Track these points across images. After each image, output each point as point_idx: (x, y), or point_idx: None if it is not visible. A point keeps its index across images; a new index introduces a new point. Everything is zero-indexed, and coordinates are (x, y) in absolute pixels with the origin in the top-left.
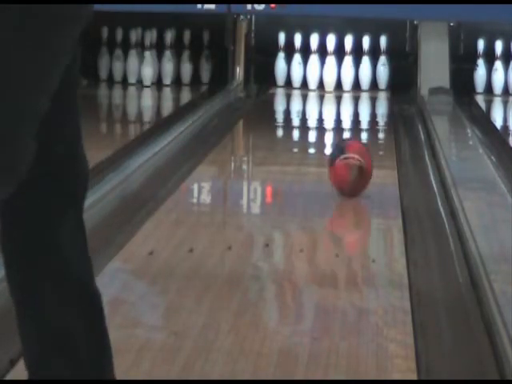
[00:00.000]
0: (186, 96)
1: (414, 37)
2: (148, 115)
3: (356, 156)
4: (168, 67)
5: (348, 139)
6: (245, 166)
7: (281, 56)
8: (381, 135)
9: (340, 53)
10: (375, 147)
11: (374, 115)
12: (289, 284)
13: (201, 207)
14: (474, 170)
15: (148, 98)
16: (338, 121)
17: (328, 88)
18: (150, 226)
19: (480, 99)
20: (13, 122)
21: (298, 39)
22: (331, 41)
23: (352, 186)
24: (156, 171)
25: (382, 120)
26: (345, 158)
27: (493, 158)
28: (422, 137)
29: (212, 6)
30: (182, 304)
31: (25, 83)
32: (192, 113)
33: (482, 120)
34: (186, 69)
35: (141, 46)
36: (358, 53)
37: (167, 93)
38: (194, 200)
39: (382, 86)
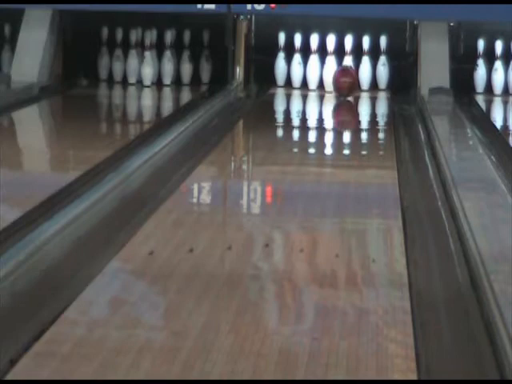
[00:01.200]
0: (185, 96)
1: (414, 37)
2: (148, 115)
3: (350, 75)
4: (168, 67)
5: (346, 66)
6: (245, 166)
7: (281, 56)
8: (381, 135)
9: (340, 53)
10: (375, 147)
11: (374, 115)
12: (289, 284)
13: (201, 207)
14: (474, 170)
15: (148, 98)
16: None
17: (328, 88)
18: (150, 226)
19: (480, 99)
20: None
21: (297, 39)
22: (331, 41)
23: (346, 94)
24: (156, 171)
25: (382, 120)
26: (344, 76)
27: (493, 158)
28: (422, 137)
29: (212, 6)
30: (182, 304)
31: None
32: (192, 113)
33: (482, 120)
34: (186, 69)
35: (141, 46)
36: (358, 53)
37: (167, 93)
38: (194, 200)
39: (382, 85)
